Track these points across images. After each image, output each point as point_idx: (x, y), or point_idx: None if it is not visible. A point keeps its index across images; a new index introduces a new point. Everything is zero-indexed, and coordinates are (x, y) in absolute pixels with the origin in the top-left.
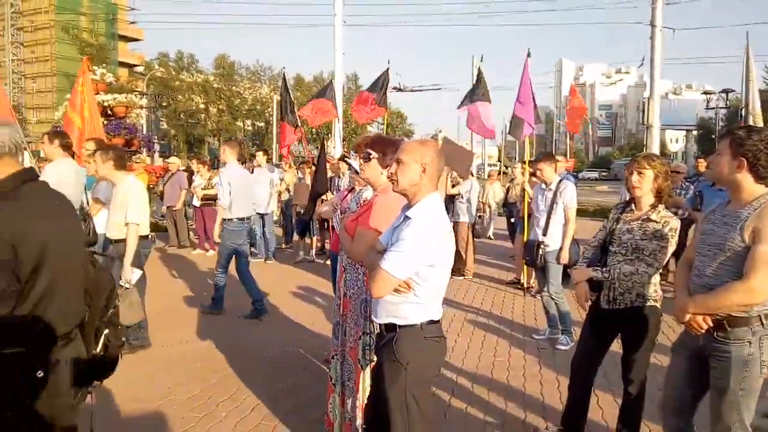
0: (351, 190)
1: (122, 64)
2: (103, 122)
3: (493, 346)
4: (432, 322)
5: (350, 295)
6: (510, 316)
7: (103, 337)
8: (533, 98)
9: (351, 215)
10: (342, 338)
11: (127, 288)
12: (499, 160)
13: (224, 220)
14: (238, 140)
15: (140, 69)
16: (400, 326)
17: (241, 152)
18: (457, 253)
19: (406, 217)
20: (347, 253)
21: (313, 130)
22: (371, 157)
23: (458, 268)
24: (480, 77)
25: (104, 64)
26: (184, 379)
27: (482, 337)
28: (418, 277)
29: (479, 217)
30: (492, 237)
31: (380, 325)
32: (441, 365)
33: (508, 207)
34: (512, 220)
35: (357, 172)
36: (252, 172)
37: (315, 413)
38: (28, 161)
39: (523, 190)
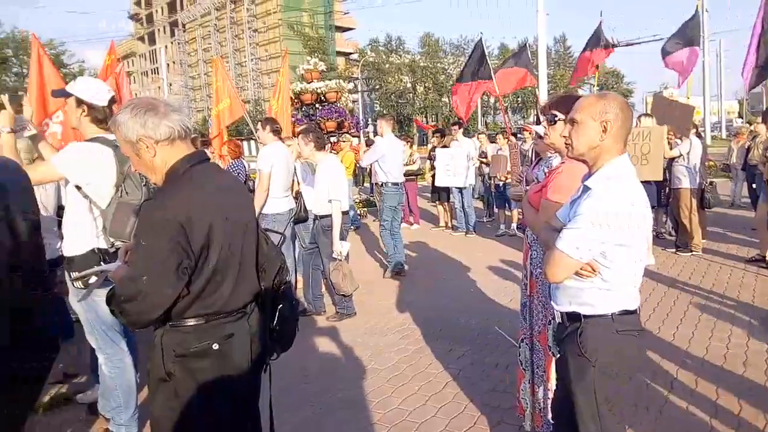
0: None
1: (340, 53)
2: (316, 107)
3: (725, 335)
4: (626, 312)
5: (537, 275)
6: (750, 300)
7: (278, 311)
8: None
9: (535, 186)
10: (530, 320)
11: (339, 260)
12: (740, 116)
13: (382, 183)
14: (392, 115)
15: (355, 56)
16: (585, 316)
17: (394, 125)
18: (681, 224)
19: (586, 188)
20: (530, 227)
21: (518, 98)
22: (557, 119)
23: (684, 242)
24: (695, 17)
25: (324, 55)
26: (382, 348)
27: (712, 325)
28: (604, 258)
29: (710, 183)
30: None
31: (562, 313)
32: (639, 364)
33: (749, 169)
34: (753, 185)
35: (541, 137)
36: (449, 147)
37: (510, 397)
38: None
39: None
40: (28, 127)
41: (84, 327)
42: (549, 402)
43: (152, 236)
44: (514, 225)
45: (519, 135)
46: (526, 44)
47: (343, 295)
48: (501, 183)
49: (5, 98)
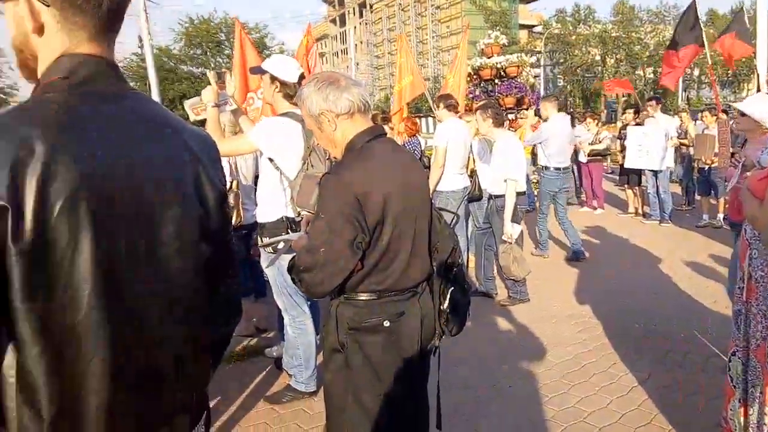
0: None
1: (522, 27)
2: (495, 83)
3: None
4: None
5: (757, 279)
6: None
7: (449, 293)
8: None
9: (759, 172)
10: (745, 331)
11: (509, 243)
12: None
13: (542, 167)
14: (555, 95)
15: (539, 29)
16: None
17: (560, 105)
18: None
19: None
20: (752, 222)
21: (728, 71)
22: None
23: None
24: None
25: (506, 28)
26: (559, 340)
27: None
28: None
29: None
30: None
31: None
32: None
33: None
34: None
35: (744, 115)
36: (642, 124)
37: (711, 414)
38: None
39: None
40: (230, 102)
41: (272, 288)
42: (766, 429)
43: (329, 209)
44: (720, 215)
45: (730, 112)
46: (742, 9)
47: (513, 279)
48: (706, 167)
49: (211, 75)
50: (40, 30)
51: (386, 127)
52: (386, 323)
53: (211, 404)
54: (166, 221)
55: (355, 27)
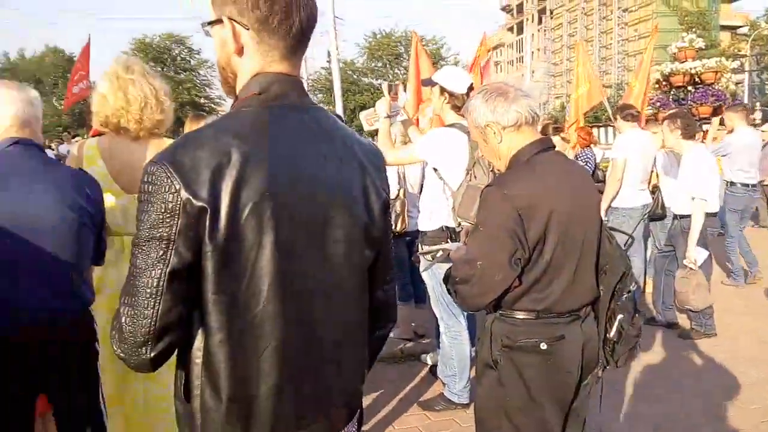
0: None
1: (724, 28)
2: (689, 90)
3: None
4: None
5: None
6: None
7: (617, 321)
8: None
9: None
10: None
11: (692, 269)
12: None
13: (728, 182)
14: (743, 105)
15: (744, 30)
16: None
17: (748, 115)
18: None
19: None
20: None
21: None
22: None
23: None
24: None
25: (703, 30)
26: (752, 381)
27: None
28: None
29: None
30: None
31: None
32: None
33: None
34: None
35: None
36: None
37: None
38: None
39: None
40: (401, 112)
41: (430, 295)
42: None
43: (489, 222)
44: None
45: None
46: None
47: (691, 310)
48: None
49: (385, 86)
50: (240, 51)
51: (558, 138)
52: (543, 345)
53: (366, 403)
54: (336, 226)
55: (532, 34)
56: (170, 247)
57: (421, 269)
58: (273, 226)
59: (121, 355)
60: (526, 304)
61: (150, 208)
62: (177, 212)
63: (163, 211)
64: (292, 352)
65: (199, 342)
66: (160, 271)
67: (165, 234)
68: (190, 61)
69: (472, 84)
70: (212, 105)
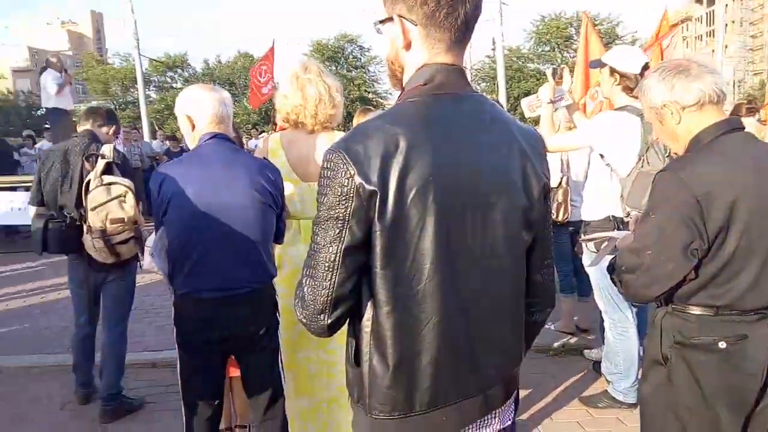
0: None
1: None
2: None
3: None
4: None
5: None
6: None
7: None
8: None
9: None
10: None
11: None
12: None
13: None
14: None
15: None
16: None
17: None
18: None
19: None
20: None
21: None
22: None
23: None
24: None
25: None
26: None
27: None
28: None
29: None
30: None
31: None
32: None
33: None
34: None
35: None
36: None
37: None
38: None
39: None
40: (566, 97)
41: (593, 288)
42: None
43: (662, 209)
44: None
45: None
46: None
47: None
48: None
49: (549, 71)
50: (408, 46)
51: (752, 120)
52: (722, 344)
53: (525, 394)
54: (495, 209)
55: (726, 5)
56: (345, 227)
57: (584, 260)
58: (435, 210)
59: (303, 320)
60: (704, 299)
61: (328, 191)
62: (351, 195)
63: (339, 194)
64: (452, 328)
65: (368, 312)
66: (336, 247)
67: (341, 214)
68: (360, 59)
69: (647, 63)
70: (379, 99)
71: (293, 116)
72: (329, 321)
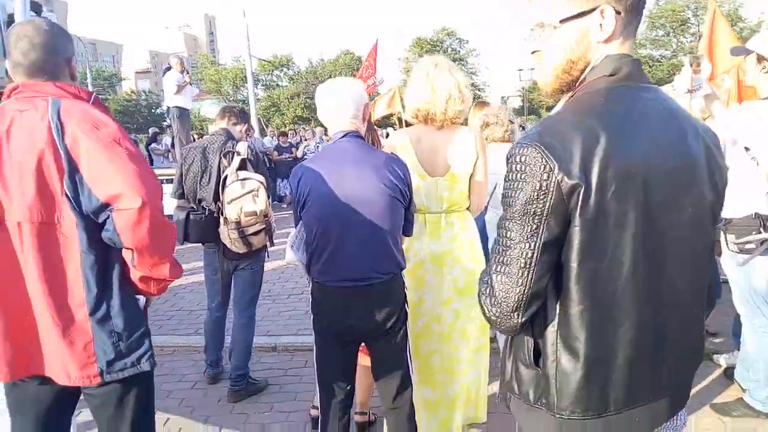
0: None
1: None
2: None
3: None
4: None
5: None
6: None
7: None
8: None
9: None
10: None
11: None
12: None
13: None
14: None
15: None
16: None
17: None
18: None
19: None
20: None
21: None
22: None
23: None
24: None
25: None
26: None
27: None
28: None
29: None
30: None
31: None
32: None
33: None
34: None
35: None
36: None
37: None
38: None
39: None
40: (704, 86)
41: (732, 291)
42: None
43: None
44: None
45: None
46: None
47: None
48: None
49: (686, 59)
50: (609, 38)
51: None
52: None
53: None
54: (686, 205)
55: None
56: (543, 222)
57: (722, 261)
58: (634, 204)
59: (493, 318)
60: None
61: (524, 186)
62: (551, 190)
63: (538, 188)
64: (648, 326)
65: (555, 310)
66: (534, 243)
67: (539, 210)
68: (459, 51)
69: None
70: (476, 91)
71: (423, 112)
72: (522, 319)
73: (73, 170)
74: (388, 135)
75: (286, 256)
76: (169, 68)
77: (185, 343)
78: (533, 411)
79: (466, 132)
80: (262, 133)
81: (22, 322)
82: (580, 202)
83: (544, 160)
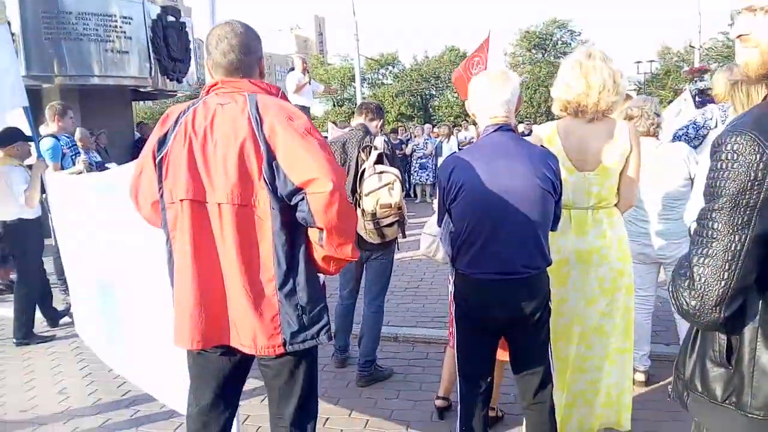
0: None
1: None
2: None
3: None
4: None
5: None
6: None
7: None
8: None
9: None
10: None
11: None
12: None
13: None
14: None
15: None
16: None
17: None
18: None
19: None
20: None
21: None
22: None
23: None
24: None
25: None
26: None
27: None
28: None
29: None
30: None
31: None
32: None
33: None
34: None
35: None
36: None
37: None
38: None
39: None
40: None
41: None
42: None
43: None
44: None
45: None
46: None
47: None
48: None
49: None
50: None
51: None
52: None
53: None
54: None
55: None
56: (755, 213)
57: None
58: None
59: (691, 311)
60: None
61: (735, 176)
62: (766, 180)
63: (752, 178)
64: None
65: (757, 307)
66: (744, 235)
67: (752, 201)
68: (570, 44)
69: None
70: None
71: (574, 104)
72: (725, 314)
73: (271, 157)
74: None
75: (421, 248)
76: (293, 68)
77: None
78: (720, 409)
79: (620, 124)
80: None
81: (215, 295)
82: None
83: (760, 148)
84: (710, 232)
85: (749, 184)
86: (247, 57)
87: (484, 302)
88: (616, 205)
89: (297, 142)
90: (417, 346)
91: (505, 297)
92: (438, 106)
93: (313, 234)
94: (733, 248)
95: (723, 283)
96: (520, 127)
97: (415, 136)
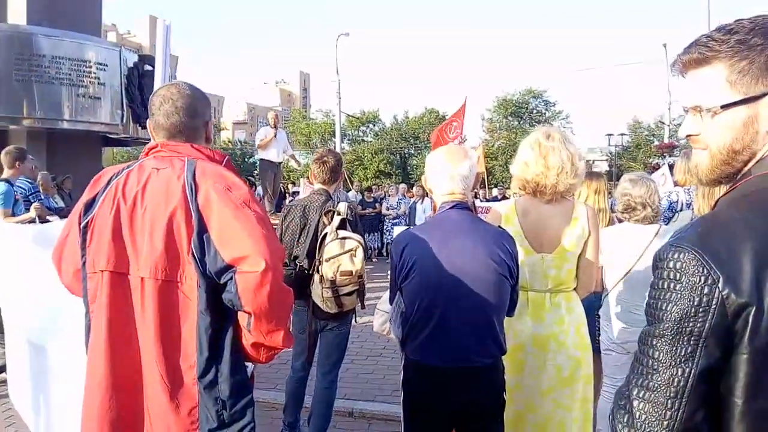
0: None
1: None
2: None
3: None
4: None
5: None
6: None
7: None
8: None
9: None
10: None
11: None
12: None
13: None
14: None
15: None
16: None
17: None
18: None
19: None
20: None
21: None
22: None
23: None
24: None
25: None
26: None
27: None
28: None
29: None
30: None
31: None
32: None
33: None
34: None
35: None
36: None
37: None
38: None
39: None
40: None
41: None
42: None
43: None
44: None
45: None
46: None
47: None
48: None
49: None
50: None
51: None
52: None
53: None
54: None
55: None
56: (700, 345)
57: None
58: None
59: None
60: None
61: (677, 299)
62: (713, 307)
63: (696, 304)
64: None
65: None
66: (687, 369)
67: (696, 329)
68: (544, 113)
69: None
70: None
71: (532, 184)
72: None
73: (202, 230)
74: (476, 195)
75: (374, 325)
76: (266, 124)
77: (264, 398)
78: None
79: (579, 207)
80: (347, 188)
81: (129, 381)
82: (750, 326)
83: (704, 269)
84: (650, 362)
85: (693, 309)
86: (192, 120)
87: (433, 392)
88: (575, 289)
89: (232, 214)
90: (373, 423)
91: (455, 386)
92: (416, 165)
93: (242, 318)
94: (675, 383)
95: (666, 423)
96: (494, 191)
97: (389, 196)
